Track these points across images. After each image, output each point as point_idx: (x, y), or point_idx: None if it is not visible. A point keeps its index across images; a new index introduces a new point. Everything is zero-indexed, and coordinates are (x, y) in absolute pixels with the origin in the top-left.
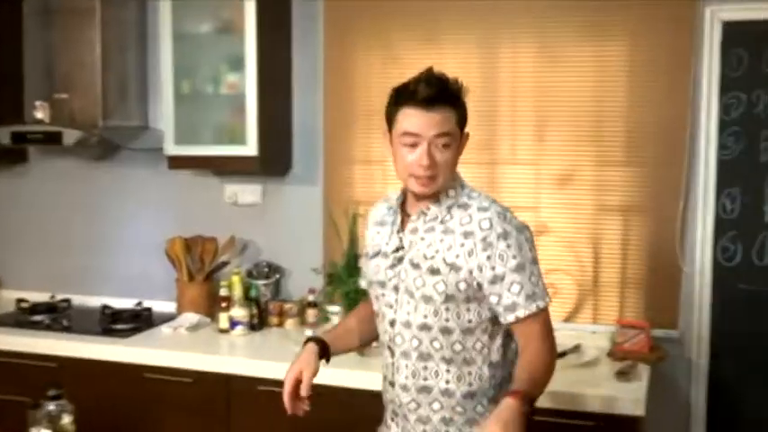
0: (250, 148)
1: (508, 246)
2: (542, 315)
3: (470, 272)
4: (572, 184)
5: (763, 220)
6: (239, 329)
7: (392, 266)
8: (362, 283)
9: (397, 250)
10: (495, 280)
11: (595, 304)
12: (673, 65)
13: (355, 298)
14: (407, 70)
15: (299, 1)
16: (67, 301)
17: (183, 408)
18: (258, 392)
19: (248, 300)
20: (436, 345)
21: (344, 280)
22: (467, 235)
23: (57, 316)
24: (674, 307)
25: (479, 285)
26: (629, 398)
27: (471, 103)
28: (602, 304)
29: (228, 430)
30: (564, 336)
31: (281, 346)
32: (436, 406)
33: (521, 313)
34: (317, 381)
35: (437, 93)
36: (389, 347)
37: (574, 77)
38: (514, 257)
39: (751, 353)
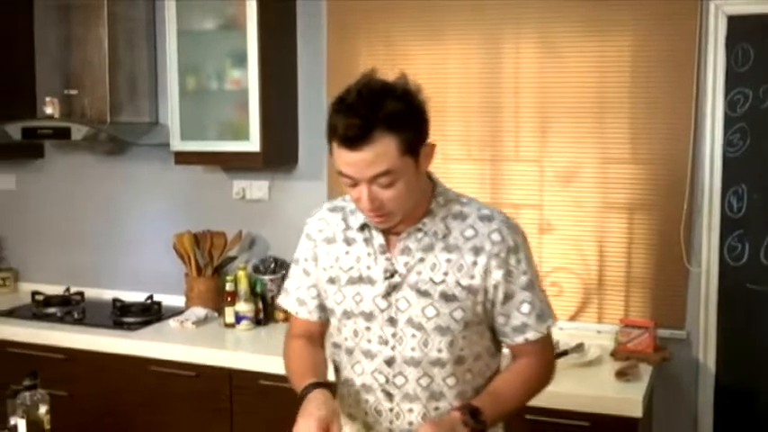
0: (253, 143)
1: (518, 260)
2: (548, 336)
3: (487, 292)
4: (576, 181)
5: None
6: (244, 324)
7: (386, 295)
8: (299, 312)
9: (390, 276)
10: (507, 299)
11: (600, 303)
12: (676, 60)
13: None
14: (410, 66)
15: None
16: (81, 294)
17: (187, 401)
18: (260, 387)
19: (254, 295)
20: (450, 381)
21: None
22: (477, 251)
23: (70, 309)
24: (680, 307)
25: (492, 305)
26: (627, 398)
27: (474, 98)
28: (607, 303)
29: (231, 423)
30: (568, 335)
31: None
32: None
33: (531, 335)
34: None
35: (361, 129)
36: (385, 391)
37: (577, 73)
38: (524, 273)
39: (759, 354)
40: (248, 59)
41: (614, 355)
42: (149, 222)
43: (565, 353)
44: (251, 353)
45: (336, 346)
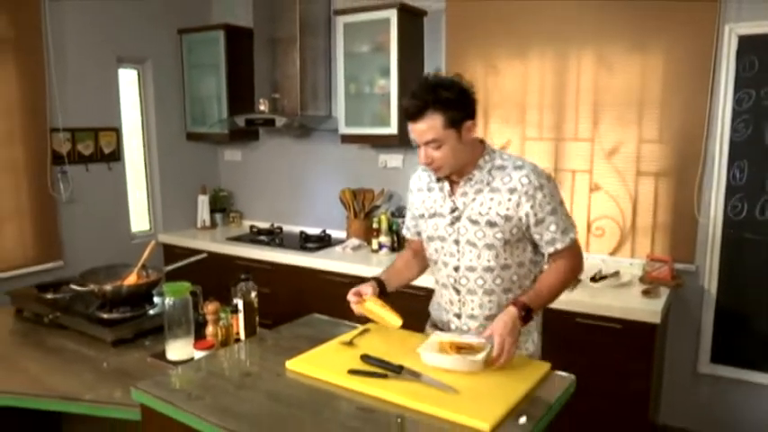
0: (392, 129)
1: (544, 195)
2: (573, 244)
3: (520, 219)
4: (618, 155)
5: (764, 188)
6: (384, 251)
7: (451, 224)
8: (407, 234)
9: (453, 211)
10: (538, 223)
11: (632, 243)
12: (698, 69)
13: None
14: (503, 75)
15: (428, 28)
16: (280, 228)
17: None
18: (392, 291)
19: (391, 231)
20: (498, 281)
21: None
22: (512, 191)
23: (273, 237)
24: (692, 247)
25: (527, 227)
26: (649, 310)
27: (547, 97)
28: (638, 243)
29: None
30: (608, 266)
31: None
32: None
33: (559, 246)
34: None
35: (417, 108)
36: (455, 288)
37: (622, 79)
38: (549, 203)
39: (751, 285)
40: (390, 72)
41: (642, 280)
42: (324, 181)
43: (605, 277)
44: None
45: (429, 258)
